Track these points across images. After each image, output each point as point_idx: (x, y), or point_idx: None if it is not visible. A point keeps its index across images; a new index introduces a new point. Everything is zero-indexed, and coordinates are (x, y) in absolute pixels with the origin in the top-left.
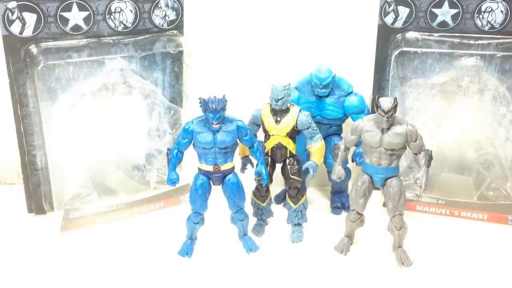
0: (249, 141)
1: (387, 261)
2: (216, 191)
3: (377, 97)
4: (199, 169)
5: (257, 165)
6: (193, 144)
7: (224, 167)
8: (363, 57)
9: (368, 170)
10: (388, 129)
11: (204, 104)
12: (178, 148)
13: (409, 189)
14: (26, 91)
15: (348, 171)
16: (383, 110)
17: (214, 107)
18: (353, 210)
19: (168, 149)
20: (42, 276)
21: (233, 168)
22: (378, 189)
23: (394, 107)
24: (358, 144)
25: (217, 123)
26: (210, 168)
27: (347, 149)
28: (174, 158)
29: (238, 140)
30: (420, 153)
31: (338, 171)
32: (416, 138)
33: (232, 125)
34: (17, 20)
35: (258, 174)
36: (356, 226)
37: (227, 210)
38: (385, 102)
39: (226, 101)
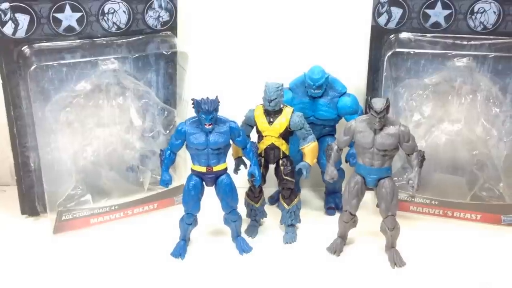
0: (242, 142)
1: (380, 261)
2: (209, 192)
3: (369, 98)
4: (192, 170)
5: (250, 166)
6: (186, 145)
7: (217, 168)
8: (357, 58)
9: (360, 170)
10: (381, 129)
11: (197, 105)
12: (171, 149)
13: (402, 190)
14: (19, 93)
15: (341, 172)
16: (375, 111)
17: (207, 108)
18: (345, 211)
19: (161, 150)
20: (35, 279)
21: (226, 169)
22: (372, 189)
23: (387, 108)
24: (352, 144)
25: (210, 124)
26: (203, 169)
27: (340, 150)
28: (167, 159)
29: (231, 141)
30: (412, 153)
31: (331, 172)
32: (409, 139)
33: (225, 126)
34: (10, 21)
35: (251, 175)
36: (349, 227)
37: (221, 211)
38: (378, 103)
39: (219, 102)
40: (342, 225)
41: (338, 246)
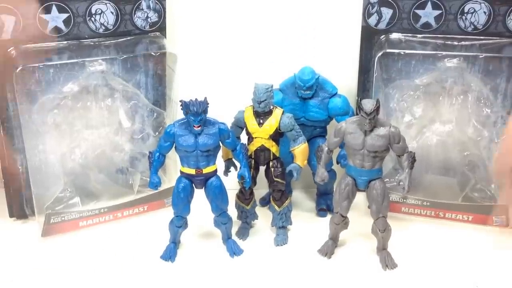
0: (232, 144)
1: (371, 263)
2: (199, 194)
3: (359, 99)
4: (181, 172)
5: (240, 168)
6: (175, 147)
7: (207, 170)
8: (347, 59)
9: (351, 172)
10: (371, 131)
11: (185, 106)
12: (159, 151)
13: (394, 191)
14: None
15: (333, 173)
16: (365, 112)
17: (195, 109)
18: (336, 213)
19: (149, 152)
20: (24, 282)
21: (215, 171)
22: (364, 191)
23: (377, 109)
24: (342, 145)
25: (199, 126)
26: (192, 171)
27: (330, 151)
28: (156, 161)
29: (220, 143)
30: (403, 155)
31: (321, 173)
32: (399, 140)
33: (214, 127)
34: None
35: (241, 177)
36: (340, 229)
37: (211, 213)
38: (368, 104)
39: (208, 103)
40: (333, 227)
41: (329, 248)
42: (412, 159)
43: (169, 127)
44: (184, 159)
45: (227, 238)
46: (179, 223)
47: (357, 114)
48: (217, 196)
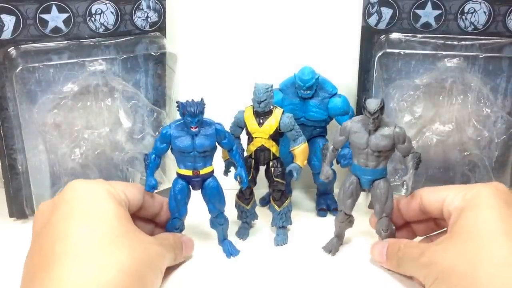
0: (228, 144)
1: (374, 262)
2: (195, 194)
3: (364, 98)
4: (178, 174)
5: (237, 167)
6: (171, 148)
7: (204, 171)
8: (347, 59)
9: (355, 171)
10: (376, 130)
11: (182, 107)
12: (155, 153)
13: (396, 191)
14: (6, 94)
15: (333, 173)
16: (369, 112)
17: (193, 110)
18: (341, 211)
19: (145, 154)
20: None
21: (212, 172)
22: (368, 190)
23: (381, 109)
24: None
25: (196, 127)
26: (189, 172)
27: (335, 149)
28: (152, 164)
29: (217, 143)
30: (408, 155)
31: (326, 171)
32: (404, 140)
33: (210, 128)
34: None
35: (238, 176)
36: (345, 227)
37: (207, 214)
38: (372, 104)
39: (205, 104)
40: (338, 225)
41: (333, 246)
42: (417, 160)
43: (165, 129)
44: (180, 160)
45: (223, 239)
46: (176, 225)
47: (358, 114)
48: (215, 197)
